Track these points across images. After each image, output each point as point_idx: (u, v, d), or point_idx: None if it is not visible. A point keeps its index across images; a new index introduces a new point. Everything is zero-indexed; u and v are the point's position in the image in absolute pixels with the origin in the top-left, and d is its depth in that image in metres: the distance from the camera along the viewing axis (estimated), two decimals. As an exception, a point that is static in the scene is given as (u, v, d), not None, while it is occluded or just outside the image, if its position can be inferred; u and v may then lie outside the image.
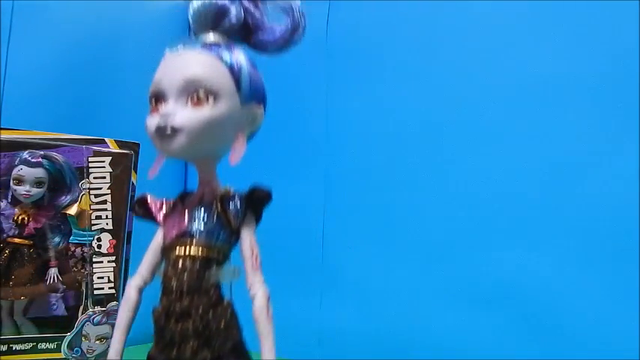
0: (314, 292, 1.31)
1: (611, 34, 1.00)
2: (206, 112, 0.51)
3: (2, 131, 0.89)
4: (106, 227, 0.92)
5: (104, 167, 0.93)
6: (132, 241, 0.94)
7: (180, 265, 0.53)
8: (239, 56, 0.54)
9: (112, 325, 0.84)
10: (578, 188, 1.01)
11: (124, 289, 0.87)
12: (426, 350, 1.13)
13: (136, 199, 0.59)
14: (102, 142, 0.93)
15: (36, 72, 1.33)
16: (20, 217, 0.92)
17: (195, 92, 0.51)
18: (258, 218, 0.56)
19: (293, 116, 1.39)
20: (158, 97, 0.53)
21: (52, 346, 0.89)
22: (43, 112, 1.30)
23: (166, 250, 0.55)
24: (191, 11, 0.55)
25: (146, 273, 0.57)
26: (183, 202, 0.57)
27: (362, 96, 1.30)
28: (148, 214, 0.58)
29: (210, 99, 0.51)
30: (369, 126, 1.27)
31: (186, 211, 0.55)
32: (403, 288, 1.19)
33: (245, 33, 0.57)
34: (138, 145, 0.94)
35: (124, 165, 0.93)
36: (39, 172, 0.91)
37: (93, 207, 0.91)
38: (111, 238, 0.91)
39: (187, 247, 0.53)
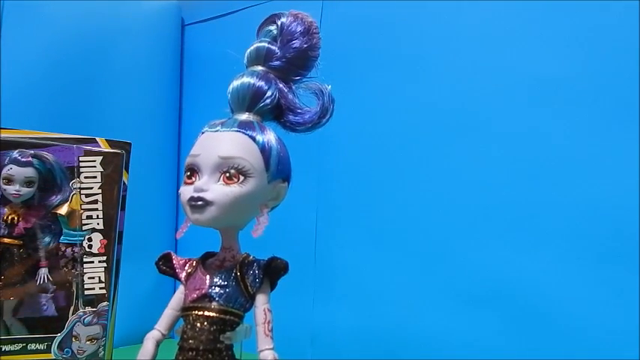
0: (307, 291, 1.32)
1: (611, 34, 1.00)
2: (236, 189, 0.56)
3: None
4: (97, 227, 0.91)
5: (95, 167, 0.92)
6: (123, 241, 0.93)
7: (198, 325, 0.57)
8: (270, 137, 0.59)
9: (103, 326, 0.84)
10: (575, 188, 1.01)
11: (114, 289, 0.87)
12: (419, 350, 1.13)
13: (160, 256, 0.63)
14: (93, 141, 0.92)
15: (27, 71, 1.34)
16: (10, 217, 0.91)
17: (227, 170, 0.56)
18: (273, 286, 0.60)
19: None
20: (193, 170, 0.58)
21: (42, 346, 0.89)
22: (34, 111, 1.33)
23: (186, 310, 0.59)
24: (230, 90, 0.61)
25: (164, 328, 0.61)
26: (204, 262, 0.61)
27: (355, 96, 1.30)
28: (170, 271, 0.62)
29: (241, 177, 0.56)
30: (362, 126, 1.26)
31: (208, 274, 0.59)
32: (396, 288, 1.19)
33: (277, 113, 0.62)
34: (129, 144, 0.94)
35: (115, 164, 0.93)
36: (29, 172, 0.91)
37: (84, 207, 0.91)
38: (102, 238, 0.91)
39: (206, 310, 0.58)
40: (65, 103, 1.41)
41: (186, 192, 0.57)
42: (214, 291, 0.58)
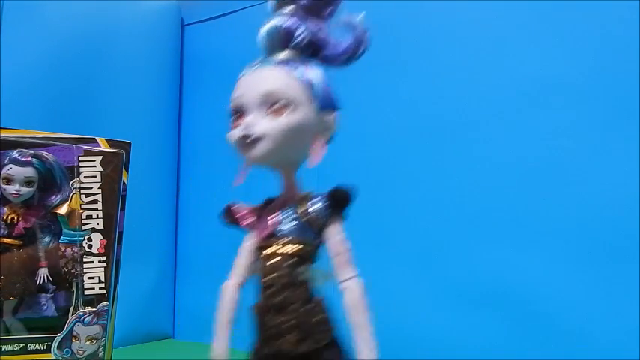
0: None
1: (611, 33, 1.01)
2: (283, 120, 0.57)
3: None
4: (97, 227, 0.91)
5: (95, 167, 0.92)
6: (123, 241, 0.93)
7: (272, 262, 0.59)
8: (310, 70, 0.60)
9: (102, 326, 0.84)
10: (575, 188, 1.02)
11: (114, 289, 0.87)
12: (419, 350, 1.14)
13: (223, 209, 0.64)
14: (93, 141, 0.92)
15: (27, 71, 1.34)
16: (10, 217, 0.91)
17: (272, 103, 0.57)
18: (343, 217, 0.62)
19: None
20: (238, 112, 0.59)
21: (42, 346, 0.89)
22: (34, 111, 1.33)
23: (259, 249, 0.61)
24: (261, 35, 0.62)
25: (242, 273, 0.63)
26: (267, 206, 0.63)
27: (355, 96, 1.26)
28: (234, 222, 0.64)
29: (287, 109, 0.57)
30: (361, 125, 1.26)
31: (274, 214, 0.61)
32: (394, 288, 1.19)
33: (313, 50, 0.62)
34: (129, 144, 0.93)
35: (114, 164, 0.93)
36: (29, 172, 0.90)
37: (83, 207, 0.91)
38: (102, 237, 0.90)
39: (279, 246, 0.59)
40: (65, 103, 1.41)
41: (235, 133, 0.58)
42: (283, 227, 0.60)
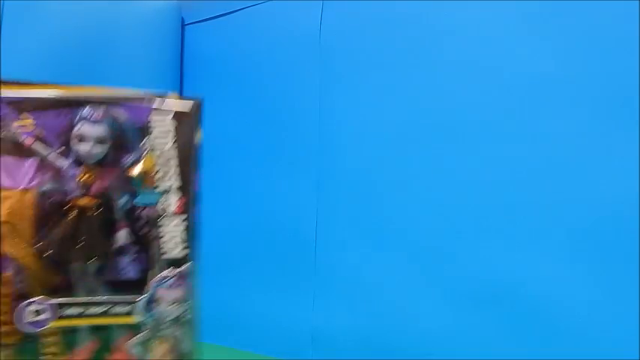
0: (307, 292, 1.33)
1: (611, 33, 1.01)
2: None
3: (60, 88, 0.86)
4: (173, 187, 0.87)
5: (167, 124, 0.89)
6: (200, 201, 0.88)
7: None
8: None
9: (187, 288, 0.84)
10: (575, 188, 1.02)
11: (196, 250, 0.83)
12: (419, 350, 1.14)
13: None
14: (163, 97, 0.89)
15: (27, 71, 1.29)
16: (84, 177, 0.87)
17: None
18: None
19: (285, 117, 1.42)
20: None
21: (125, 309, 0.85)
22: None
23: None
24: None
25: None
26: None
27: (355, 97, 1.32)
28: None
29: None
30: (361, 126, 1.27)
31: None
32: (396, 288, 1.19)
33: None
34: (200, 100, 0.91)
35: (187, 122, 0.89)
36: (101, 130, 0.87)
37: (158, 167, 0.87)
38: (178, 198, 0.86)
39: None
40: None
41: None
42: None
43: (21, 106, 0.84)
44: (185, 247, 0.86)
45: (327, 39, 1.40)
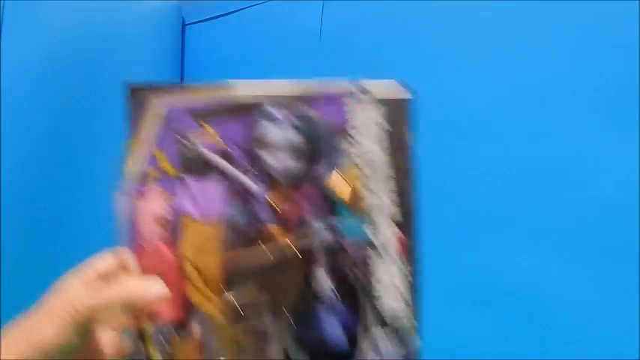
0: None
1: (611, 33, 1.00)
2: None
3: (238, 87, 0.68)
4: (388, 211, 0.63)
5: (375, 122, 0.65)
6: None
7: None
8: None
9: (407, 354, 0.58)
10: (575, 188, 1.02)
11: (416, 304, 0.61)
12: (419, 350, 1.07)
13: None
14: (362, 89, 0.67)
15: (27, 71, 1.37)
16: (275, 200, 0.65)
17: None
18: None
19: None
20: None
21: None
22: (34, 112, 1.37)
23: None
24: None
25: None
26: None
27: None
28: None
29: None
30: None
31: None
32: None
33: None
34: (409, 92, 0.66)
35: (400, 118, 0.65)
36: (292, 136, 0.65)
37: (364, 182, 0.64)
38: (396, 228, 0.63)
39: None
40: (65, 102, 1.43)
41: None
42: None
43: (200, 113, 0.65)
44: (404, 300, 0.64)
45: (327, 39, 1.40)
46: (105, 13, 1.51)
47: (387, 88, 0.66)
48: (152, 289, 0.63)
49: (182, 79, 1.75)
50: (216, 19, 1.72)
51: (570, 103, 1.03)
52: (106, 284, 0.65)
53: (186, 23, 1.79)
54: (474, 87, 1.15)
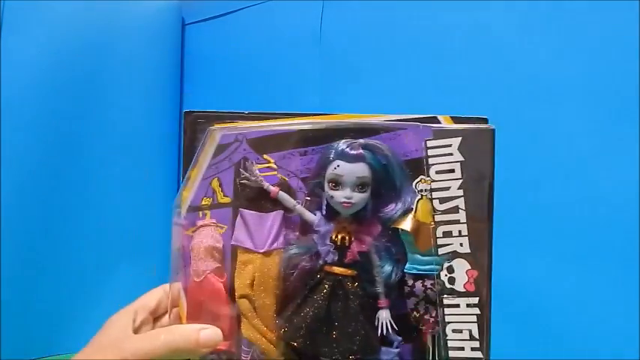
0: None
1: (611, 33, 1.00)
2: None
3: (312, 117, 0.64)
4: (461, 250, 0.61)
5: (452, 155, 0.62)
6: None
7: None
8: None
9: None
10: (575, 188, 1.02)
11: (488, 349, 0.59)
12: None
13: None
14: (434, 120, 0.64)
15: (27, 71, 1.36)
16: (340, 236, 0.62)
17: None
18: None
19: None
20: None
21: None
22: (34, 112, 1.35)
23: None
24: None
25: None
26: None
27: (355, 96, 1.31)
28: None
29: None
30: None
31: None
32: None
33: None
34: (493, 128, 0.64)
35: (481, 149, 0.63)
36: (361, 170, 0.62)
37: (437, 218, 0.62)
38: (469, 267, 0.60)
39: None
40: (65, 102, 1.40)
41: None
42: None
43: (259, 143, 0.63)
44: (478, 346, 0.61)
45: (327, 39, 1.39)
46: (105, 13, 1.50)
47: (453, 120, 0.64)
48: (202, 338, 0.61)
49: (182, 79, 1.74)
50: (216, 19, 1.71)
51: (570, 103, 1.02)
52: (157, 323, 0.65)
53: (186, 23, 1.77)
54: (473, 87, 1.14)
